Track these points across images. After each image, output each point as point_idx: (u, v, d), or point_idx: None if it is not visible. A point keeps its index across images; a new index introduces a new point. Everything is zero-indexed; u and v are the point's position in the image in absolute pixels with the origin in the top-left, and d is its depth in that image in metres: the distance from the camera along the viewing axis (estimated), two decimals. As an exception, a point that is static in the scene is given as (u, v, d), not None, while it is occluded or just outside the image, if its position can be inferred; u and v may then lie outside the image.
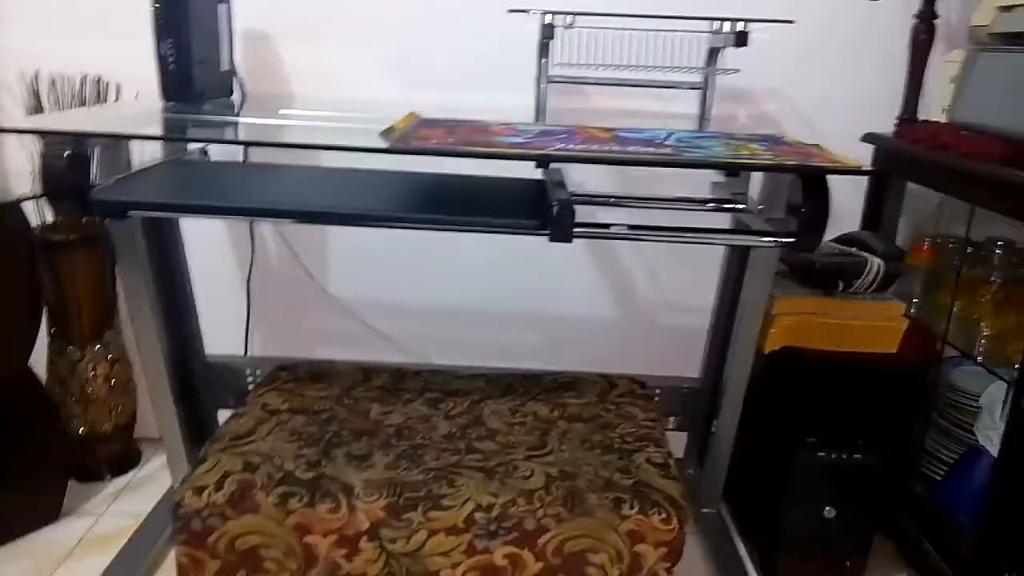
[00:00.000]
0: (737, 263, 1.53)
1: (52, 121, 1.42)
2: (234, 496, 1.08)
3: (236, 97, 1.57)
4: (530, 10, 1.45)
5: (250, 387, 1.65)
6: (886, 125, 1.61)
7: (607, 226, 1.24)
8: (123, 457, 1.81)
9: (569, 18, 1.45)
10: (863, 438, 1.42)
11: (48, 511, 1.59)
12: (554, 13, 1.46)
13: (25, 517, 1.55)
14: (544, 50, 1.53)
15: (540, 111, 1.57)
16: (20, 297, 1.49)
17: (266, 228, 1.79)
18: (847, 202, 1.69)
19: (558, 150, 1.09)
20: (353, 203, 1.24)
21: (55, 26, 1.61)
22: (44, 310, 1.60)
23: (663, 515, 1.08)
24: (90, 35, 1.59)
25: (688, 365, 1.73)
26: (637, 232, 1.23)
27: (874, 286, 1.43)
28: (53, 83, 1.54)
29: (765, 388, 1.47)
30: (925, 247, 1.64)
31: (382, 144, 1.10)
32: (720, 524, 1.63)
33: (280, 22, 1.64)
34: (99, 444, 1.75)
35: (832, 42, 1.65)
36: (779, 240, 1.17)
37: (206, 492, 1.08)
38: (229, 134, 1.41)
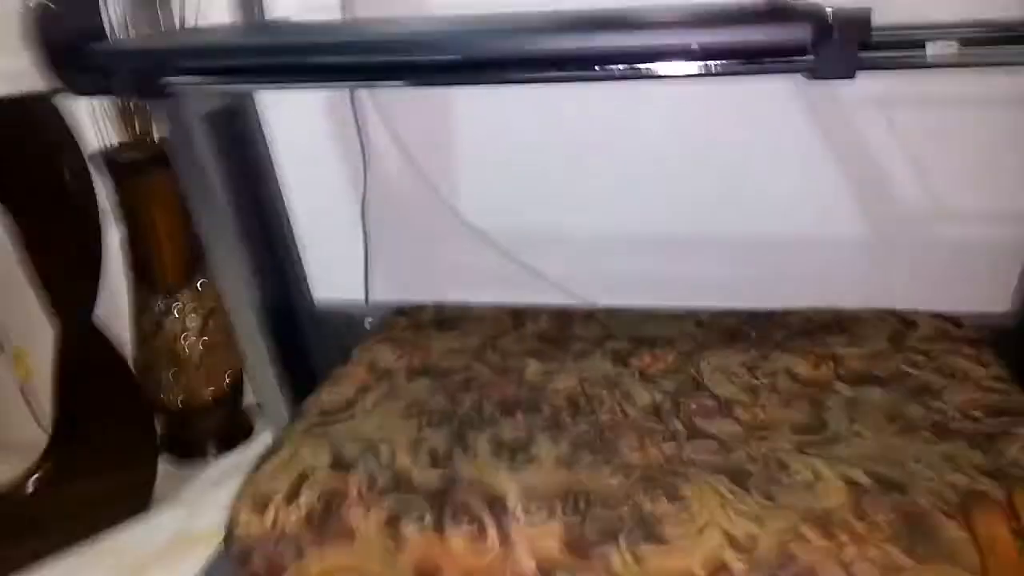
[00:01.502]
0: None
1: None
2: (316, 514, 0.66)
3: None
4: None
5: (371, 340, 1.26)
6: None
7: (920, 44, 0.71)
8: (229, 430, 1.48)
9: None
10: None
11: (135, 500, 1.28)
12: None
13: (108, 508, 1.25)
14: None
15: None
16: (74, 233, 1.15)
17: (381, 138, 1.37)
18: None
19: None
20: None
21: None
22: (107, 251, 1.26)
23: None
24: None
25: (984, 296, 1.15)
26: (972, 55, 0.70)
27: None
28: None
29: None
30: None
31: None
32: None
33: None
34: (198, 415, 1.42)
35: None
36: None
37: (273, 508, 0.67)
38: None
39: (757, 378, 0.81)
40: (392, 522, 0.65)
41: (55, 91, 1.12)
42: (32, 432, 1.45)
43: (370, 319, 1.31)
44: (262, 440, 1.48)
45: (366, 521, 0.65)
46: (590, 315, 1.02)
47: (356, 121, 1.33)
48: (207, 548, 1.14)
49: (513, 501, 0.64)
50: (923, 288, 1.23)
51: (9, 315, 1.42)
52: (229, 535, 0.67)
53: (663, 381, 0.82)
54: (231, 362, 1.43)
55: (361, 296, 1.42)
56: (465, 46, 0.75)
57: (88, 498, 1.22)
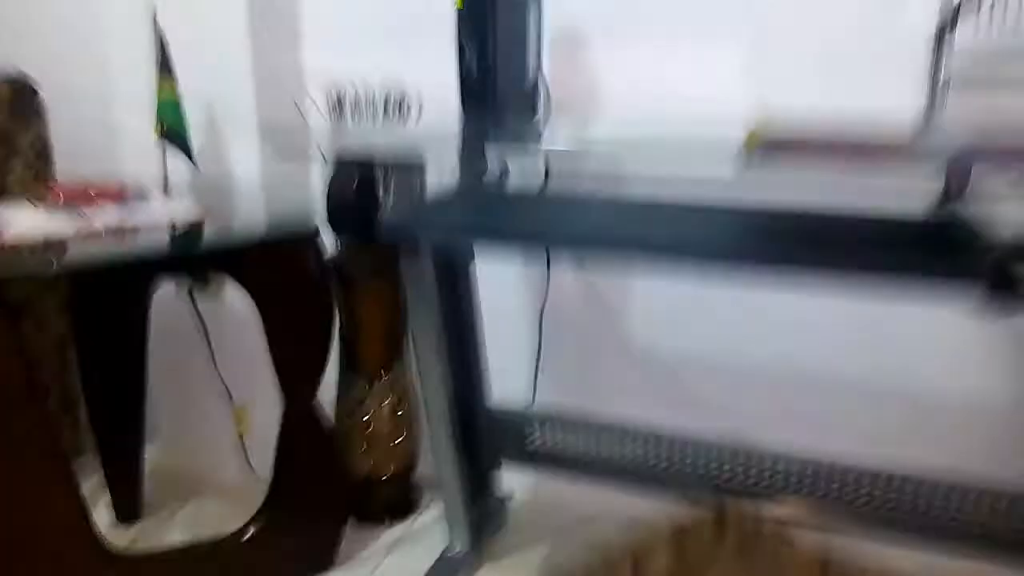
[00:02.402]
0: None
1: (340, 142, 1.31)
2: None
3: (542, 109, 1.34)
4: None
5: (535, 441, 1.44)
6: None
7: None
8: (403, 501, 1.68)
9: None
10: None
11: (323, 556, 1.49)
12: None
13: (301, 561, 1.46)
14: (942, 40, 1.09)
15: (931, 121, 1.12)
16: (315, 331, 1.39)
17: (563, 268, 1.54)
18: None
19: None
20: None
21: (352, 39, 1.52)
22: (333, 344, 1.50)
23: None
24: (390, 46, 1.47)
25: None
26: None
27: None
28: (356, 102, 1.43)
29: None
30: None
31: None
32: None
33: (594, 18, 1.38)
34: (380, 485, 1.63)
35: None
36: None
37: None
38: (532, 156, 1.19)
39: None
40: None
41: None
42: (244, 479, 1.71)
43: (537, 424, 1.47)
44: (430, 512, 1.67)
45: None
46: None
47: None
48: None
49: None
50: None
51: (236, 375, 1.69)
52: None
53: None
54: (410, 442, 1.63)
55: (527, 400, 1.59)
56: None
57: (287, 551, 1.42)
